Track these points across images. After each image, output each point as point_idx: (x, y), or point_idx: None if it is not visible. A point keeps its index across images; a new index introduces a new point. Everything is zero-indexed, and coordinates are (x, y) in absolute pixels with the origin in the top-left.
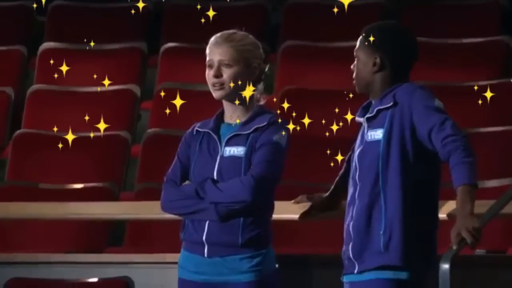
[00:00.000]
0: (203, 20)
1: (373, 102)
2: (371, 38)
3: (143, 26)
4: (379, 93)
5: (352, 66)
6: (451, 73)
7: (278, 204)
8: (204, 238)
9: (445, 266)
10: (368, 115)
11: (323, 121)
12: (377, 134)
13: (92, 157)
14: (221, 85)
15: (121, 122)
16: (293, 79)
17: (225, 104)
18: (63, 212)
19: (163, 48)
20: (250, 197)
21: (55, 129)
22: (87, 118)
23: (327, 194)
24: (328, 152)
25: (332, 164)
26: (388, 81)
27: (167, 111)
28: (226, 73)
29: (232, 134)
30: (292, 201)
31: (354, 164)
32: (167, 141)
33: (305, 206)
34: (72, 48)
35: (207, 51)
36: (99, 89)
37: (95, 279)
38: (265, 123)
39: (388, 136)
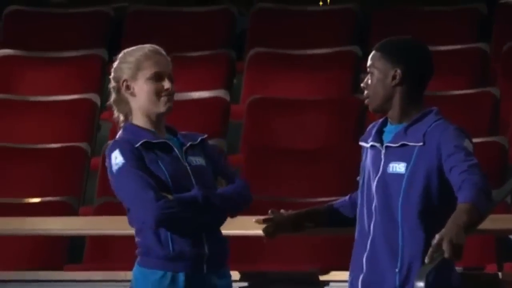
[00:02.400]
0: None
1: (390, 123)
2: (388, 51)
3: (104, 32)
4: (399, 112)
5: (363, 84)
6: None
7: (241, 220)
8: (206, 250)
9: (420, 284)
10: (390, 144)
11: (292, 132)
12: (400, 167)
13: (50, 169)
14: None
15: (81, 133)
16: (261, 88)
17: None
18: (19, 227)
19: None
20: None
21: (11, 140)
22: (44, 128)
23: (292, 213)
24: (295, 164)
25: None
26: (407, 98)
27: None
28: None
29: (189, 144)
30: (254, 219)
31: (370, 193)
32: None
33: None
34: (29, 56)
35: (149, 61)
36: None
37: None
38: (206, 135)
39: (412, 172)
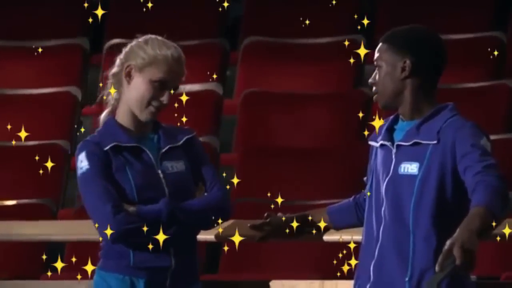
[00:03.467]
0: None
1: (401, 120)
2: (396, 41)
3: (85, 20)
4: (410, 108)
5: (371, 80)
6: None
7: (234, 224)
8: (172, 263)
9: None
10: (401, 143)
11: (290, 129)
12: (412, 168)
13: (27, 169)
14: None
15: (60, 130)
16: (257, 81)
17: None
18: None
19: (107, 44)
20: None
21: None
22: (20, 125)
23: (288, 216)
24: (294, 163)
25: (299, 177)
26: (418, 91)
27: None
28: None
29: (168, 147)
30: (249, 224)
31: (379, 195)
32: None
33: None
34: (3, 45)
35: (163, 65)
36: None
37: None
38: (194, 133)
39: (425, 173)
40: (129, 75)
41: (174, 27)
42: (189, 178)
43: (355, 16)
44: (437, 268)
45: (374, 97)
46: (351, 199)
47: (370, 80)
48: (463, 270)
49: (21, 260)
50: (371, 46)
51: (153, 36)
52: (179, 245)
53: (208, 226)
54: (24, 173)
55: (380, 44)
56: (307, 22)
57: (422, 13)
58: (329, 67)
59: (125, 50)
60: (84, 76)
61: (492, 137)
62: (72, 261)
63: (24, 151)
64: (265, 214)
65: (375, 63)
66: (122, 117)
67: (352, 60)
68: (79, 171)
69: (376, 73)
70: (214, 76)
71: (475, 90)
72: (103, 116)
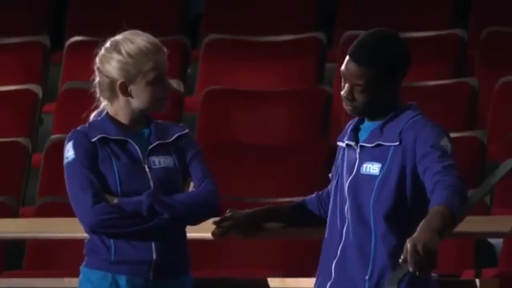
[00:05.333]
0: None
1: (366, 119)
2: (362, 57)
3: (45, 17)
4: (375, 108)
5: (344, 94)
6: None
7: None
8: (154, 257)
9: None
10: (364, 144)
11: (252, 126)
12: (374, 168)
13: None
14: None
15: (20, 127)
16: (218, 78)
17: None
18: None
19: (68, 42)
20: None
21: None
22: None
23: (249, 211)
24: (256, 161)
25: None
26: (386, 94)
27: (73, 114)
28: None
29: (157, 143)
30: (211, 220)
31: (342, 194)
32: None
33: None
34: None
35: (149, 63)
36: None
37: None
38: (186, 130)
39: (385, 174)
40: (125, 91)
41: (134, 25)
42: (176, 174)
43: (316, 13)
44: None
45: (349, 111)
46: (314, 195)
47: (343, 95)
48: (424, 269)
49: None
50: (332, 44)
51: (118, 38)
52: (162, 238)
53: (194, 221)
54: None
55: (350, 62)
56: (269, 19)
57: (383, 10)
58: (290, 64)
59: (100, 69)
60: (45, 74)
61: (453, 135)
62: (33, 258)
63: None
64: (227, 211)
65: (345, 78)
66: (116, 111)
67: (313, 57)
68: (65, 160)
69: (350, 88)
70: (175, 73)
71: (436, 88)
72: (92, 116)
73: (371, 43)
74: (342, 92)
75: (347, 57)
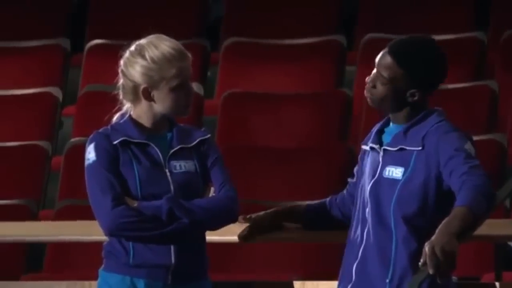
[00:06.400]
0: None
1: (392, 122)
2: (400, 57)
3: (65, 20)
4: (402, 113)
5: (369, 81)
6: None
7: None
8: (173, 261)
9: None
10: (387, 147)
11: (271, 129)
12: (397, 172)
13: (7, 170)
14: None
15: (40, 131)
16: (237, 81)
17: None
18: None
19: (88, 45)
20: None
21: None
22: (0, 126)
23: (270, 211)
24: (275, 164)
25: (280, 178)
26: (414, 100)
27: (93, 117)
28: None
29: (178, 147)
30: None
31: (364, 197)
32: None
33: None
34: None
35: (173, 69)
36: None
37: None
38: (208, 135)
39: (408, 179)
40: (148, 95)
41: (154, 27)
42: (197, 178)
43: (336, 16)
44: (421, 267)
45: (368, 98)
46: (327, 200)
47: (368, 81)
48: (444, 272)
49: (2, 261)
50: (352, 46)
51: (143, 42)
52: (181, 243)
53: (213, 226)
54: (4, 173)
55: (386, 53)
56: (289, 22)
57: (403, 13)
58: (310, 67)
59: (125, 73)
60: (65, 77)
61: (473, 138)
62: (52, 261)
63: (5, 152)
64: (242, 217)
65: (376, 65)
66: (139, 114)
67: (333, 60)
68: (86, 162)
69: (376, 77)
70: (195, 76)
71: (457, 91)
72: (115, 118)
73: (414, 47)
74: (367, 78)
75: (386, 47)
